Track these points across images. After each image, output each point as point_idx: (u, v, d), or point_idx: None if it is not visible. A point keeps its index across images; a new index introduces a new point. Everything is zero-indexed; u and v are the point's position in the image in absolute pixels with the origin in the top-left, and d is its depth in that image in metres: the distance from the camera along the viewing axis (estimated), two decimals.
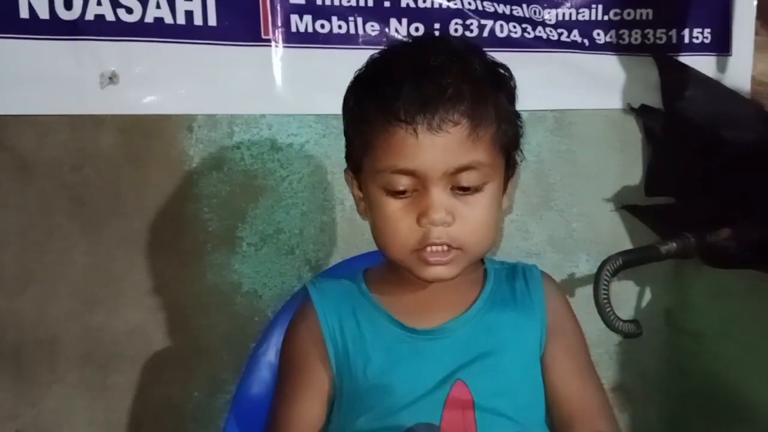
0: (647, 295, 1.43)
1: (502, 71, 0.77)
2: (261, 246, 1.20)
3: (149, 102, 1.11)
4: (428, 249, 0.73)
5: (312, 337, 0.79)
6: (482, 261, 0.85)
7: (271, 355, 0.99)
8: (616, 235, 1.37)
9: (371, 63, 0.77)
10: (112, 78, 1.08)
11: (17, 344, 1.12)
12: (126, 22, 1.07)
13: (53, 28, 1.04)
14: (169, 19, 1.09)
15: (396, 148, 0.71)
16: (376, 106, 0.72)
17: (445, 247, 0.73)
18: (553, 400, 0.78)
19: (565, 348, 0.80)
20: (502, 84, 0.77)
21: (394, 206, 0.73)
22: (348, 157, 0.81)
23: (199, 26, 1.10)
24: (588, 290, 1.28)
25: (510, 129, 0.76)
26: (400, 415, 0.74)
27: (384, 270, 0.83)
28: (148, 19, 1.08)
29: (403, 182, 0.72)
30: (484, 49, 0.79)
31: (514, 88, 0.78)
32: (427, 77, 0.71)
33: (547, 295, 0.82)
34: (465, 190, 0.73)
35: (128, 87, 1.09)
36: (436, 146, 0.70)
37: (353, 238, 1.24)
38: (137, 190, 1.14)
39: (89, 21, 1.05)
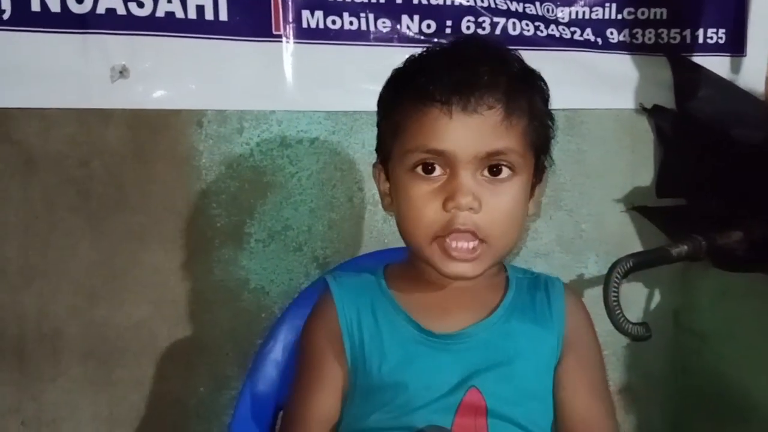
0: (655, 296, 1.42)
1: (538, 78, 0.78)
2: (269, 242, 1.20)
3: (159, 97, 1.10)
4: (453, 243, 0.72)
5: (330, 330, 0.79)
6: (504, 268, 0.84)
7: (277, 352, 0.99)
8: (625, 236, 1.37)
9: (409, 60, 0.78)
10: (123, 72, 1.07)
11: (21, 338, 1.11)
12: (137, 16, 1.06)
13: (64, 21, 1.03)
14: (180, 14, 1.08)
15: (428, 127, 0.71)
16: (410, 91, 0.73)
17: (470, 244, 0.72)
18: (560, 413, 0.78)
19: (579, 364, 0.79)
20: (537, 85, 0.77)
21: (421, 190, 0.73)
22: (378, 148, 0.81)
23: (210, 21, 1.09)
24: (596, 291, 1.28)
25: (541, 129, 0.77)
26: (412, 416, 0.73)
27: (405, 267, 0.82)
28: (159, 13, 1.07)
29: (432, 163, 0.72)
30: None
31: (548, 96, 0.78)
32: (464, 65, 0.72)
33: (567, 309, 0.81)
34: (494, 177, 0.72)
35: (138, 81, 1.08)
36: (470, 128, 0.71)
37: (361, 235, 1.23)
38: (144, 185, 1.13)
39: (100, 15, 1.04)
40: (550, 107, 0.79)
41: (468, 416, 0.73)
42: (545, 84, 0.78)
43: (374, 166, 0.82)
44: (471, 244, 0.72)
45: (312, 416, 0.77)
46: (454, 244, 0.72)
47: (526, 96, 0.74)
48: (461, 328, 0.77)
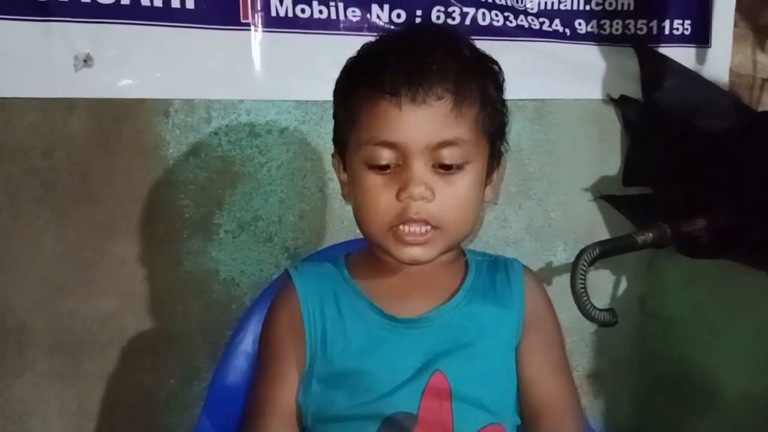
0: (621, 283, 1.45)
1: (490, 63, 0.78)
2: (239, 233, 1.19)
3: (124, 85, 1.08)
4: (405, 228, 0.73)
5: (291, 320, 0.79)
6: (463, 252, 0.85)
7: (248, 343, 0.98)
8: (593, 225, 1.39)
9: (364, 47, 0.78)
10: (87, 61, 1.05)
11: None
12: (101, 4, 1.04)
13: (26, 8, 1.01)
14: (145, 1, 1.06)
15: (379, 119, 0.72)
16: (363, 80, 0.73)
17: (423, 227, 0.73)
18: (524, 391, 0.79)
19: (540, 342, 0.80)
20: (490, 72, 0.77)
21: (374, 181, 0.74)
22: (335, 139, 0.81)
23: (176, 9, 1.08)
24: (565, 279, 1.29)
25: (495, 115, 0.77)
26: (379, 402, 0.74)
27: (365, 255, 0.83)
28: (125, 0, 1.05)
29: (385, 155, 0.73)
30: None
31: (503, 81, 0.79)
32: (414, 53, 0.72)
33: (527, 289, 0.82)
34: (447, 168, 0.73)
35: (102, 70, 1.06)
36: (419, 119, 0.71)
37: (332, 226, 1.23)
38: (110, 176, 1.12)
39: (63, 2, 1.02)
40: (504, 93, 0.79)
41: (433, 400, 0.74)
42: (499, 70, 0.78)
43: (333, 156, 0.83)
44: (423, 229, 0.73)
45: (275, 405, 0.77)
46: (407, 229, 0.73)
47: (478, 83, 0.74)
48: (423, 313, 0.78)
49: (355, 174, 0.75)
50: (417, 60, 0.71)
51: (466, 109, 0.73)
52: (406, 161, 0.72)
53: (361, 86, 0.73)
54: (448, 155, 0.72)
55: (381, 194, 0.73)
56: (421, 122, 0.71)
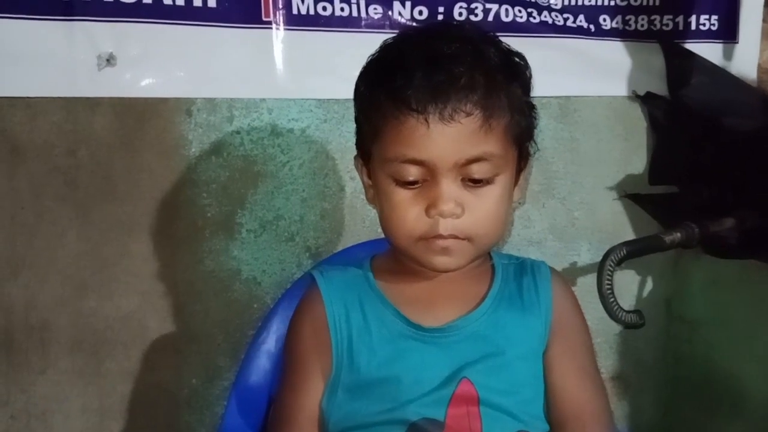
0: (647, 284, 1.42)
1: (517, 60, 0.76)
2: (260, 232, 1.18)
3: (146, 85, 1.08)
4: (436, 241, 0.72)
5: (317, 326, 0.78)
6: (490, 256, 0.84)
7: (270, 344, 0.99)
8: (618, 224, 1.37)
9: (384, 48, 0.76)
10: (110, 60, 1.05)
11: (8, 330, 1.10)
12: (124, 3, 1.04)
13: (49, 8, 1.01)
14: (168, 0, 1.06)
15: (406, 137, 0.70)
16: (387, 93, 0.71)
17: (452, 242, 0.72)
18: (551, 398, 0.78)
19: (567, 348, 0.79)
20: (517, 73, 0.75)
21: (402, 195, 0.73)
22: (358, 143, 0.80)
23: (198, 7, 1.08)
24: (589, 279, 1.28)
25: (523, 120, 0.75)
26: (404, 409, 0.73)
27: (390, 259, 0.82)
28: None
29: (412, 172, 0.71)
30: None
31: (530, 77, 0.77)
32: (440, 66, 0.70)
33: (554, 294, 0.81)
34: (476, 182, 0.72)
35: (125, 69, 1.06)
36: (447, 136, 0.69)
37: (354, 225, 1.22)
38: (133, 175, 1.12)
39: (86, 1, 1.02)
40: (531, 92, 0.77)
41: (460, 406, 0.74)
42: (527, 69, 0.77)
43: (355, 158, 0.81)
44: (453, 240, 0.73)
45: (301, 413, 0.77)
46: (437, 241, 0.72)
47: (506, 92, 0.72)
48: (450, 321, 0.77)
49: (381, 186, 0.74)
50: (443, 74, 0.69)
51: (496, 123, 0.71)
52: (434, 178, 0.71)
53: (385, 100, 0.71)
54: (478, 170, 0.71)
55: (409, 209, 0.72)
56: (450, 140, 0.69)
